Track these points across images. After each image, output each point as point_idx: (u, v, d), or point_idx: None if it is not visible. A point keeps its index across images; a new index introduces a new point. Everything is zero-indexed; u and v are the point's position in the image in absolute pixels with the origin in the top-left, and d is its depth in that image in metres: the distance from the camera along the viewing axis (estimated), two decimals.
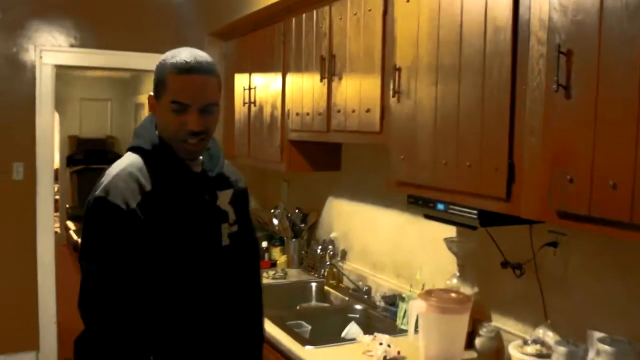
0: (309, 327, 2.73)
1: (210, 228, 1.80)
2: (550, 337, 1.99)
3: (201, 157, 1.82)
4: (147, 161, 1.74)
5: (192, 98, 1.67)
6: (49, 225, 4.68)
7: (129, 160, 1.76)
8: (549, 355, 1.90)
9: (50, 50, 4.52)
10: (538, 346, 1.96)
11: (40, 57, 4.48)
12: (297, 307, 3.09)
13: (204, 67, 1.69)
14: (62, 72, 5.81)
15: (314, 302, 3.25)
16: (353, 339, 2.47)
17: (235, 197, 1.89)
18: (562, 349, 1.82)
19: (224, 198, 1.85)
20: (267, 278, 3.41)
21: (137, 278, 1.66)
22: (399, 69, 2.21)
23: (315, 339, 2.49)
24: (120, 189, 1.67)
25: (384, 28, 2.40)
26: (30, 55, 4.46)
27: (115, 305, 1.63)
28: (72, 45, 4.60)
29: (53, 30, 4.54)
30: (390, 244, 3.01)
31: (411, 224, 2.83)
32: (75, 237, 8.07)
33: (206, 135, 1.72)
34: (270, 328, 2.54)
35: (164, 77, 1.71)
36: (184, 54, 1.70)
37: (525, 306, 2.21)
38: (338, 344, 2.45)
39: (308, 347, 2.34)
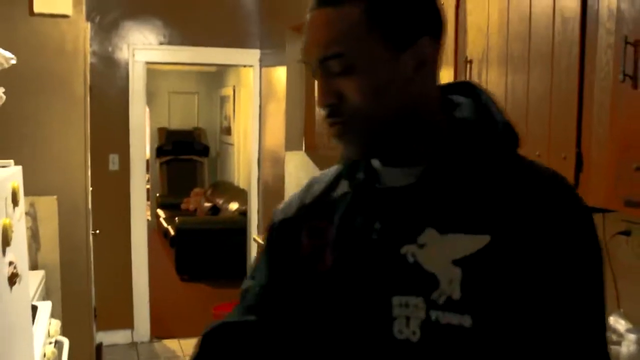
0: None
1: (367, 296, 0.96)
2: (622, 325, 2.00)
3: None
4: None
5: (308, 50, 0.95)
6: (141, 213, 4.98)
7: None
8: (619, 343, 1.93)
9: (141, 48, 4.81)
10: (608, 333, 1.98)
11: (133, 55, 4.77)
12: None
13: None
14: (152, 68, 6.11)
15: None
16: None
17: (493, 251, 0.88)
18: (632, 337, 1.84)
19: (442, 248, 0.91)
20: None
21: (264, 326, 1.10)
22: (471, 61, 2.26)
23: None
24: (290, 197, 1.15)
25: (457, 21, 2.45)
26: (123, 53, 4.75)
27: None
28: (161, 43, 4.86)
29: (144, 29, 4.81)
30: None
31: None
32: (165, 224, 8.46)
33: (339, 114, 0.94)
34: None
35: None
36: None
37: None
38: None
39: None
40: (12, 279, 1.16)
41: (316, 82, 0.96)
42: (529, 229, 0.88)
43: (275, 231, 1.11)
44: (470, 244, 0.88)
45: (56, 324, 2.47)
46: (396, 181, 0.97)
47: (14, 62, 1.19)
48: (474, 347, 0.88)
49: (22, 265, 1.29)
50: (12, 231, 1.15)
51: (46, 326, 2.34)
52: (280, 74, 4.59)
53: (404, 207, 0.95)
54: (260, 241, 4.26)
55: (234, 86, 8.70)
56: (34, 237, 3.17)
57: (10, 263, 1.16)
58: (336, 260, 0.99)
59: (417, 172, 0.95)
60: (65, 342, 2.45)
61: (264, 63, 5.07)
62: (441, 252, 0.90)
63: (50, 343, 2.33)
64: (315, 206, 1.06)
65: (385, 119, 0.94)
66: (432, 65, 0.96)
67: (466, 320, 0.87)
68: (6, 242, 1.12)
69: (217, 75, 9.68)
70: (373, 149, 0.97)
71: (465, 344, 0.88)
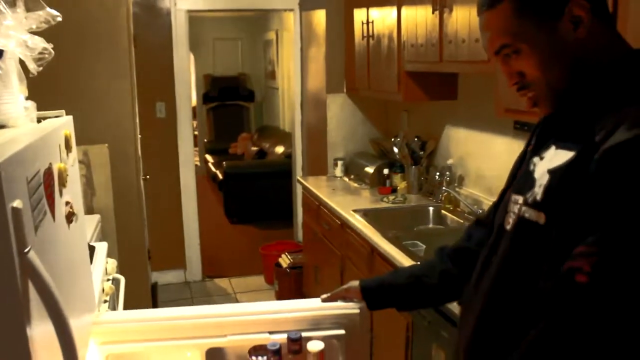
0: (424, 247, 2.93)
1: (508, 196, 1.24)
2: None
3: None
4: None
5: (485, 47, 1.21)
6: (189, 159, 5.14)
7: None
8: None
9: None
10: None
11: (175, 3, 4.84)
12: (414, 229, 3.28)
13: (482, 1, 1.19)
14: (195, 15, 6.18)
15: (430, 225, 3.43)
16: None
17: (575, 165, 1.05)
18: None
19: (550, 160, 1.13)
20: (387, 203, 3.63)
21: None
22: None
23: (428, 256, 2.68)
24: None
25: None
26: (165, 2, 4.83)
27: None
28: None
29: None
30: (504, 170, 3.08)
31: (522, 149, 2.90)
32: (213, 169, 8.67)
33: (527, 88, 1.17)
34: (386, 246, 2.76)
35: None
36: None
37: None
38: None
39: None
40: (69, 217, 1.29)
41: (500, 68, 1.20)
42: (597, 157, 0.99)
43: None
44: (563, 157, 1.08)
45: (113, 263, 2.64)
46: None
47: (59, 19, 1.29)
48: (544, 241, 1.07)
49: (78, 205, 1.42)
50: (66, 174, 1.27)
51: (103, 264, 2.51)
52: (320, 16, 4.62)
53: (549, 128, 1.21)
54: (305, 183, 4.37)
55: (276, 30, 8.71)
56: (88, 183, 3.35)
57: (67, 203, 1.28)
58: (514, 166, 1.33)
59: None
60: (122, 279, 2.62)
61: (303, 7, 5.09)
62: (547, 163, 1.13)
63: (108, 280, 2.50)
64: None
65: (564, 80, 1.13)
66: (592, 22, 1.10)
67: (541, 218, 1.09)
68: (62, 184, 1.24)
69: (260, 20, 9.69)
70: (561, 104, 1.16)
71: (537, 237, 1.09)
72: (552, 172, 1.09)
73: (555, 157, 1.11)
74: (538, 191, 1.11)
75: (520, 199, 1.16)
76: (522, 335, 1.05)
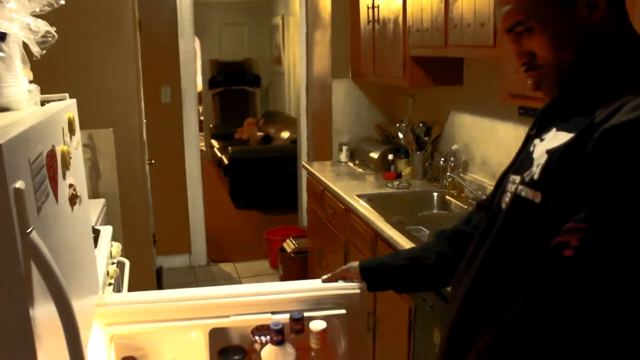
0: (428, 232, 2.93)
1: (507, 177, 1.25)
2: None
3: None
4: None
5: (500, 24, 1.20)
6: (195, 143, 5.15)
7: None
8: None
9: None
10: None
11: None
12: (418, 215, 3.28)
13: None
14: (201, 0, 6.17)
15: (435, 211, 3.43)
16: None
17: (574, 146, 1.05)
18: None
19: (549, 141, 1.14)
20: (392, 188, 3.63)
21: None
22: None
23: None
24: None
25: None
26: None
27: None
28: None
29: None
30: (509, 155, 3.08)
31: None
32: (219, 154, 8.68)
33: (535, 68, 1.17)
34: (390, 231, 2.77)
35: None
36: None
37: None
38: None
39: None
40: (73, 200, 1.30)
41: (511, 47, 1.20)
42: (606, 134, 0.99)
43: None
44: (563, 138, 1.10)
45: (117, 246, 2.65)
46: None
47: (62, 2, 1.29)
48: (538, 220, 1.07)
49: (81, 188, 1.43)
50: (70, 157, 1.28)
51: (108, 248, 2.53)
52: (325, 1, 4.60)
53: (552, 112, 1.22)
54: (310, 168, 4.38)
55: (282, 15, 8.69)
56: (93, 167, 3.36)
57: (70, 185, 1.29)
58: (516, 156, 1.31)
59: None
60: (127, 262, 2.64)
61: None
62: (547, 144, 1.14)
63: (113, 263, 2.52)
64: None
65: (573, 64, 1.13)
66: (607, 8, 1.10)
67: (537, 197, 1.10)
68: (65, 167, 1.25)
69: (266, 5, 9.65)
70: (565, 88, 1.17)
71: (532, 215, 1.10)
72: (551, 153, 1.10)
73: (555, 138, 1.12)
74: (535, 170, 1.12)
75: (518, 178, 1.17)
76: (508, 311, 1.06)
